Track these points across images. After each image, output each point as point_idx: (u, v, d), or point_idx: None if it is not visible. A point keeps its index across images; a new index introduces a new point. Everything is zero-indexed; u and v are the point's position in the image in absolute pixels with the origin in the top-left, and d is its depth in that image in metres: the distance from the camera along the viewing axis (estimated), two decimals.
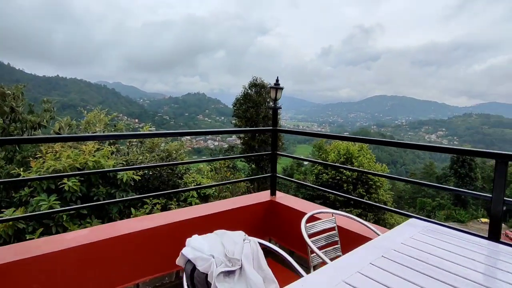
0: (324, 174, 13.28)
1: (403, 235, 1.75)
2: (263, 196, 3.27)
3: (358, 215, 12.54)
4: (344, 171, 12.86)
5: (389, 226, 14.09)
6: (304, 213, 2.11)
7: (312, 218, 2.16)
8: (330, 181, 12.98)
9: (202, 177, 7.18)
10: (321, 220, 2.13)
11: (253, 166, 20.18)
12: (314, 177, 13.73)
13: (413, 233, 1.78)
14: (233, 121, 21.18)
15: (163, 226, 2.50)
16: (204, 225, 2.69)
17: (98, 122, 7.15)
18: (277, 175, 3.22)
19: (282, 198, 3.24)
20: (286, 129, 3.22)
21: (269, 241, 3.20)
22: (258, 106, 19.73)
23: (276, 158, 3.23)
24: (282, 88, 3.04)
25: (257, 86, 20.75)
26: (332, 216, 2.15)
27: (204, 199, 6.75)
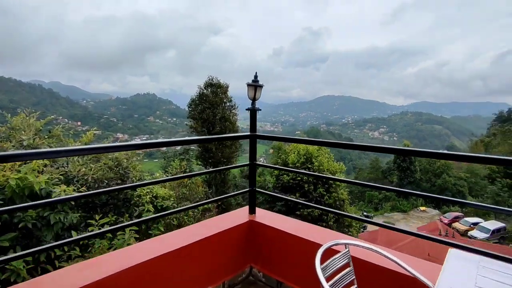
0: (285, 176, 13.10)
1: (463, 276, 1.33)
2: (241, 215, 2.72)
3: (319, 215, 12.59)
4: (304, 171, 12.84)
5: (347, 223, 14.41)
6: (292, 235, 1.76)
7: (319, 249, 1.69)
8: (291, 182, 12.83)
9: (160, 187, 6.38)
10: (334, 257, 1.65)
11: (210, 169, 19.37)
12: (275, 179, 13.50)
13: (473, 273, 1.37)
14: (188, 123, 20.11)
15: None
16: (176, 261, 2.10)
17: (27, 128, 5.93)
18: (258, 189, 2.71)
19: (263, 216, 2.72)
20: (268, 134, 2.67)
21: (250, 270, 2.67)
22: (215, 106, 18.95)
23: (255, 169, 2.71)
24: (261, 86, 2.54)
25: (213, 86, 19.90)
26: (346, 248, 1.70)
27: (162, 211, 5.99)
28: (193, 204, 2.34)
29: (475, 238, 33.89)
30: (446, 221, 38.97)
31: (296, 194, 12.58)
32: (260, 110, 2.65)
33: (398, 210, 46.81)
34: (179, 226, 6.79)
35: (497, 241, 35.71)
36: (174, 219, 6.47)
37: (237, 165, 2.69)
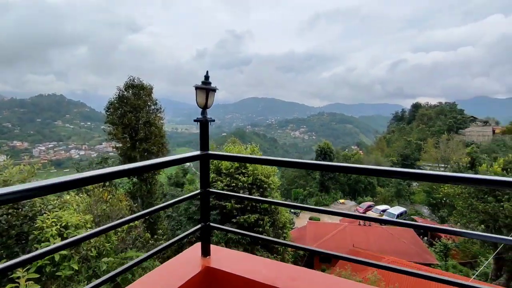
0: (218, 182, 12.47)
1: None
2: (192, 260, 2.01)
3: (255, 221, 12.33)
4: (239, 176, 12.40)
5: (281, 224, 14.53)
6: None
7: None
8: (225, 188, 12.27)
9: (72, 214, 5.07)
10: None
11: (135, 179, 17.33)
12: None
13: None
14: (107, 128, 17.67)
15: None
16: None
17: None
18: (213, 224, 2.08)
19: (221, 260, 2.07)
20: (222, 153, 2.03)
21: None
22: (137, 110, 16.97)
23: (209, 197, 2.09)
24: (214, 90, 1.94)
25: (135, 87, 17.83)
26: None
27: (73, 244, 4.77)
28: (149, 254, 1.58)
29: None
30: (361, 210, 43.37)
31: (231, 201, 12.07)
32: (214, 121, 2.04)
33: (321, 204, 50.39)
34: (99, 255, 5.59)
35: None
36: (92, 249, 5.27)
37: (188, 195, 2.01)
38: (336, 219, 39.32)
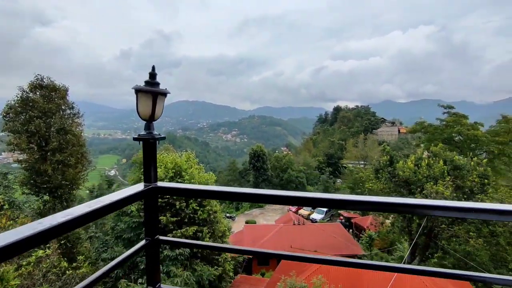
0: None
1: None
2: None
3: (194, 233, 11.49)
4: None
5: (220, 233, 13.92)
6: None
7: None
8: (159, 201, 11.13)
9: None
10: None
11: (45, 197, 14.45)
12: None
13: None
14: (5, 138, 14.35)
15: None
16: None
17: None
18: (163, 238, 1.43)
19: None
20: (178, 186, 1.38)
21: None
22: (48, 115, 14.16)
23: (159, 248, 1.44)
24: (165, 94, 1.33)
25: (44, 88, 14.89)
26: None
27: None
28: None
29: (315, 220, 40.87)
30: (293, 209, 45.13)
31: (167, 215, 11.02)
32: (165, 138, 1.42)
33: (256, 206, 51.06)
34: None
35: (329, 219, 44.43)
36: None
37: (132, 250, 1.32)
38: (272, 220, 40.21)
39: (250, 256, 23.39)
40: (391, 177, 19.13)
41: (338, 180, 71.33)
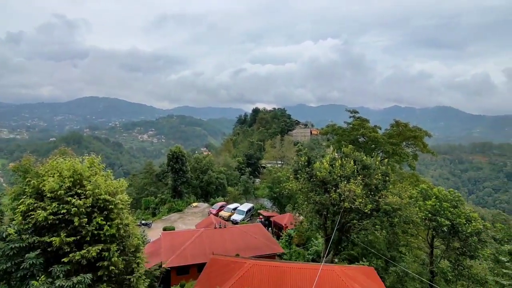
0: (39, 210, 8.94)
1: None
2: None
3: (98, 253, 9.60)
4: (72, 199, 9.30)
5: (133, 248, 12.17)
6: None
7: None
8: (51, 218, 8.92)
9: None
10: None
11: None
12: (21, 218, 8.95)
13: None
14: None
15: None
16: None
17: None
18: None
19: None
20: None
21: None
22: None
23: None
24: None
25: None
26: None
27: None
28: None
29: (236, 221, 40.78)
30: (214, 211, 44.23)
31: (61, 235, 8.88)
32: None
33: (175, 210, 48.41)
34: None
35: (249, 219, 45.00)
36: None
37: None
38: (192, 225, 38.49)
39: (168, 268, 21.59)
40: (309, 177, 20.00)
41: (257, 180, 73.44)
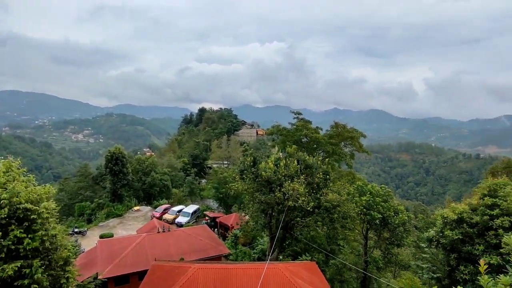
0: None
1: None
2: None
3: (17, 271, 8.41)
4: None
5: (62, 261, 10.98)
6: None
7: None
8: None
9: None
10: None
11: None
12: None
13: None
14: None
15: None
16: None
17: None
18: None
19: None
20: None
21: None
22: None
23: None
24: None
25: None
26: None
27: None
28: None
29: (181, 224, 39.54)
30: (157, 215, 42.35)
31: None
32: None
33: (114, 215, 45.15)
34: None
35: (195, 221, 44.03)
36: None
37: None
38: (133, 230, 36.24)
39: (105, 279, 19.99)
40: (254, 177, 20.21)
41: (203, 181, 72.28)
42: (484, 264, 4.48)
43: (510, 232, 12.78)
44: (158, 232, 27.26)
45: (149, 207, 49.73)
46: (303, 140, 37.95)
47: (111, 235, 33.48)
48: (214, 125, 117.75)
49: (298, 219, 19.74)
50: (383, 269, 22.45)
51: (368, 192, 21.66)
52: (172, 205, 48.63)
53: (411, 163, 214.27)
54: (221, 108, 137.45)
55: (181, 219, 41.15)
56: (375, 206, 20.70)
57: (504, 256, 11.51)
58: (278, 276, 14.04)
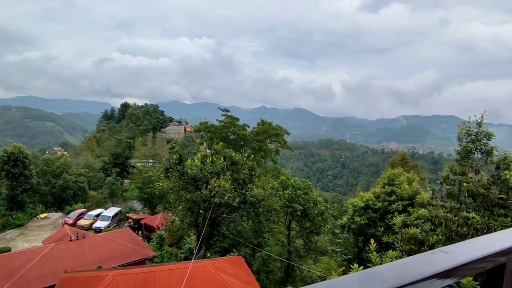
0: None
1: None
2: None
3: None
4: None
5: None
6: None
7: None
8: None
9: None
10: None
11: None
12: None
13: None
14: None
15: None
16: None
17: None
18: None
19: None
20: None
21: None
22: None
23: None
24: None
25: None
26: None
27: None
28: None
29: (99, 229, 36.14)
30: (71, 221, 38.01)
31: None
32: None
33: (13, 225, 38.83)
34: None
35: (117, 224, 40.77)
36: None
37: None
38: (38, 241, 31.65)
39: None
40: (180, 175, 19.65)
41: (126, 181, 67.27)
42: (374, 243, 5.19)
43: (402, 214, 15.12)
44: (71, 240, 24.39)
45: (60, 213, 44.21)
46: (230, 137, 38.32)
47: (8, 250, 28.75)
48: (138, 121, 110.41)
49: (224, 215, 19.91)
50: (304, 256, 24.25)
51: (291, 186, 23.07)
52: (89, 209, 44.17)
53: (330, 158, 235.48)
54: (146, 104, 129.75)
55: (100, 224, 37.69)
56: (296, 199, 22.17)
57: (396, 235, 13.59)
58: (203, 273, 13.96)
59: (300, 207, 21.95)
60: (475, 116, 7.26)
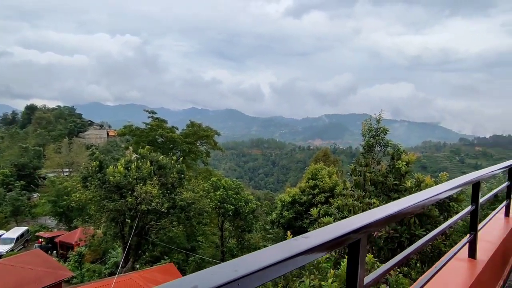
0: None
1: None
2: None
3: None
4: None
5: None
6: None
7: None
8: None
9: None
10: None
11: None
12: None
13: None
14: None
15: None
16: None
17: None
18: None
19: None
20: None
21: None
22: None
23: None
24: None
25: None
26: None
27: None
28: None
29: (0, 254, 30.96)
30: None
31: None
32: None
33: None
34: None
35: (23, 247, 35.35)
36: None
37: None
38: None
39: None
40: (101, 183, 18.02)
41: (35, 195, 58.78)
42: (291, 235, 5.58)
43: (324, 205, 16.50)
44: None
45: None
46: (158, 140, 36.60)
47: None
48: (50, 126, 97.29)
49: (153, 222, 18.94)
50: (238, 255, 24.54)
51: (222, 187, 23.13)
52: None
53: (261, 157, 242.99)
54: (59, 106, 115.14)
55: (1, 248, 32.32)
56: (228, 199, 22.33)
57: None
58: (130, 286, 13.08)
59: (232, 207, 22.17)
60: (379, 113, 8.41)
